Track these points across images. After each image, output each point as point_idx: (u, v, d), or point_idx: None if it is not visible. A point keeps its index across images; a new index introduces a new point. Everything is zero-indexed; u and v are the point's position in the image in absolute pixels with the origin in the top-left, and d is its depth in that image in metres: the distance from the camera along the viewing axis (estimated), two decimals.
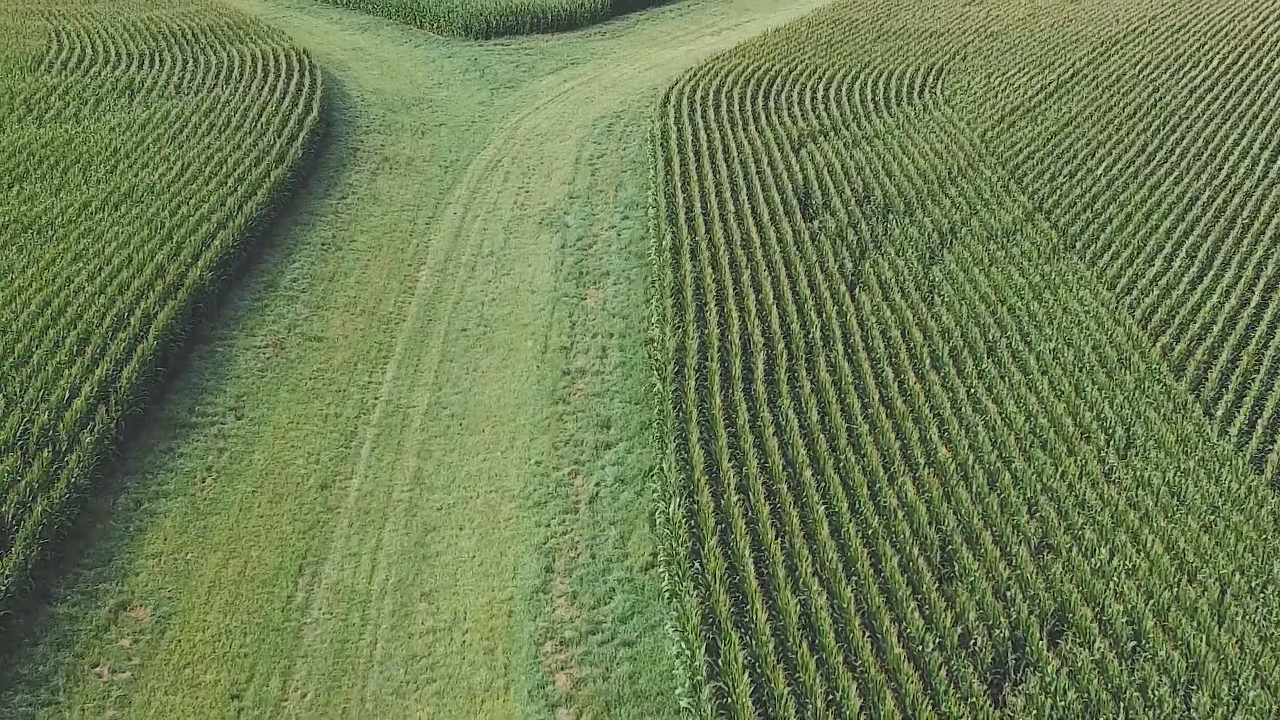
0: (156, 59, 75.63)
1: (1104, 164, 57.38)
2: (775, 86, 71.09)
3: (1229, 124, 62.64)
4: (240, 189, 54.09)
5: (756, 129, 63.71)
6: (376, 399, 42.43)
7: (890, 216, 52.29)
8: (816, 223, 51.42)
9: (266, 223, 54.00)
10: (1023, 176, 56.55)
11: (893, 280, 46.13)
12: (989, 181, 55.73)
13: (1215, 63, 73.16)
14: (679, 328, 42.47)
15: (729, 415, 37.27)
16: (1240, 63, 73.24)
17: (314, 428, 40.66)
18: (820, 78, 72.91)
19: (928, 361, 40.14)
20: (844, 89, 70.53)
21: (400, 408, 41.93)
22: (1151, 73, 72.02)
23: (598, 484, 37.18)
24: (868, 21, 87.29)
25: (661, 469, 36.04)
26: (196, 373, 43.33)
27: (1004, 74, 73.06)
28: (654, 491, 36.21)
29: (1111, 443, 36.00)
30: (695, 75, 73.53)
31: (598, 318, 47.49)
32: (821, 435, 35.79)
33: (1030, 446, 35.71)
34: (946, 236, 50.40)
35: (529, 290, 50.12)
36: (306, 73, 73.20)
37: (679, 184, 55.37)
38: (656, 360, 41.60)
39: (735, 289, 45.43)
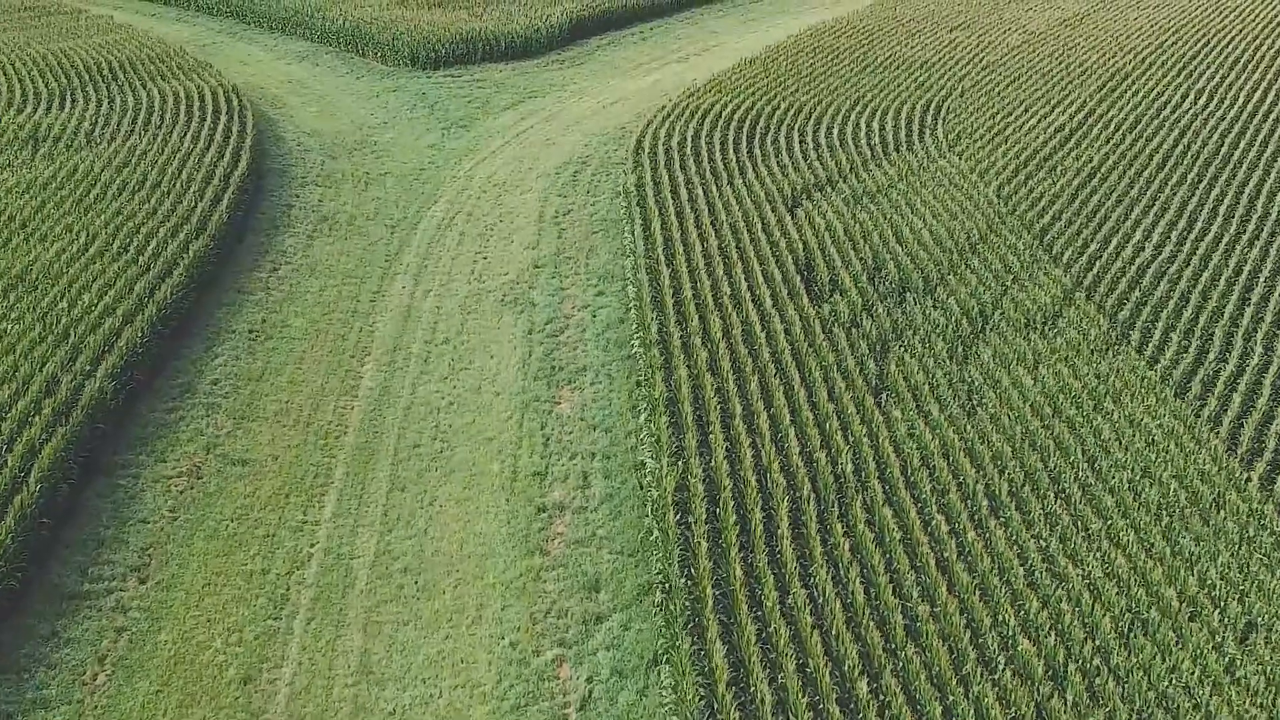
0: (67, 99, 67.58)
1: (1141, 227, 50.59)
2: (759, 128, 63.97)
3: (1272, 176, 55.99)
4: (155, 267, 46.34)
5: (744, 182, 56.53)
6: (313, 547, 34.92)
7: (909, 296, 45.26)
8: (827, 307, 44.24)
9: (185, 307, 46.29)
10: (1052, 243, 49.66)
11: (925, 385, 39.01)
12: (1015, 250, 48.79)
13: (1240, 99, 66.62)
14: (678, 456, 35.19)
15: (752, 590, 29.98)
16: (1269, 99, 66.73)
17: (236, 590, 33.10)
18: (808, 117, 65.85)
19: (984, 504, 33.00)
20: (835, 131, 63.52)
21: (342, 559, 34.44)
22: (1172, 112, 65.39)
23: (590, 678, 29.78)
24: (850, 50, 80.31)
25: (673, 662, 28.72)
26: (92, 518, 35.64)
27: (1009, 113, 66.25)
28: (662, 693, 28.84)
29: (1226, 621, 29.02)
30: (669, 116, 66.29)
31: (575, 430, 40.12)
32: (871, 622, 28.56)
33: (1129, 630, 28.69)
34: (977, 322, 43.39)
35: (492, 391, 42.71)
36: (235, 115, 65.40)
37: (661, 254, 48.10)
38: (654, 502, 34.29)
39: (742, 399, 38.19)
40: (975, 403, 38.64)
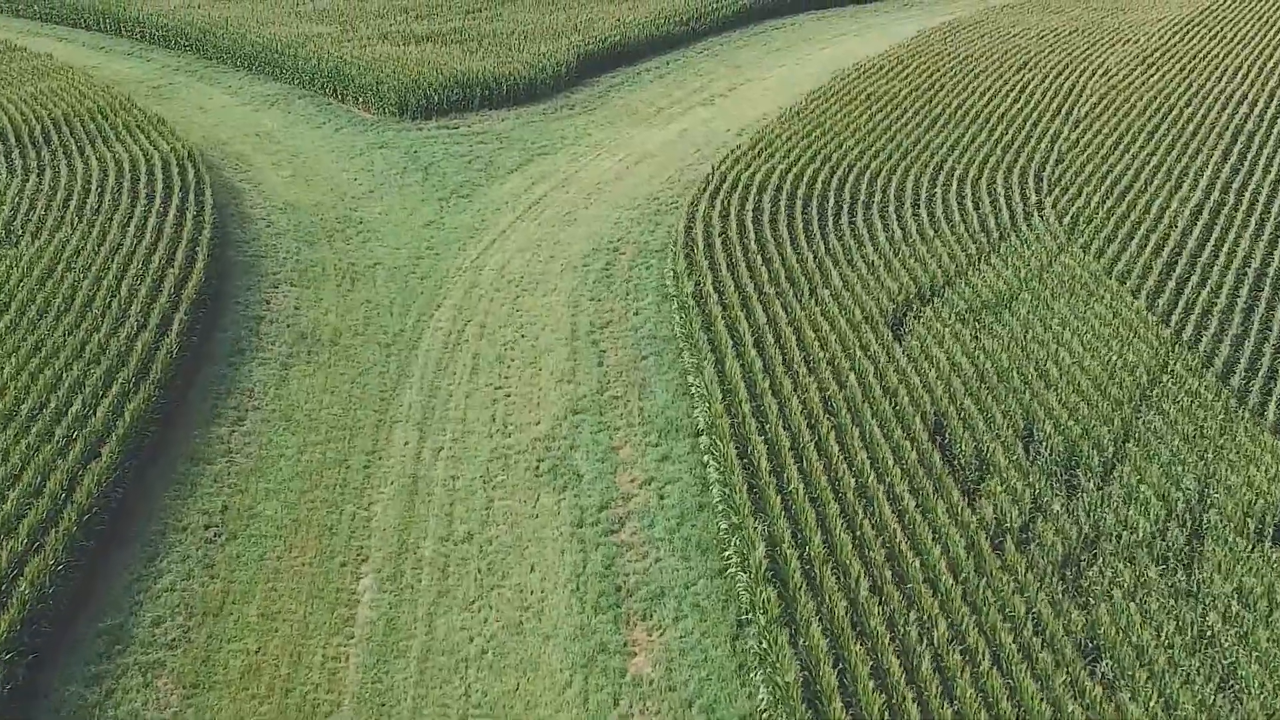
0: None
1: None
2: (830, 205, 52.75)
3: None
4: (79, 443, 34.64)
5: (829, 291, 45.10)
6: None
7: (1082, 478, 33.92)
8: (988, 506, 32.74)
9: (118, 495, 34.52)
10: (1245, 390, 38.57)
11: (1153, 645, 27.61)
12: (1201, 400, 37.54)
13: None
14: None
15: None
16: None
17: None
18: (883, 190, 54.63)
19: None
20: (922, 207, 52.38)
21: None
22: None
23: None
24: (910, 97, 68.95)
25: None
26: None
27: (1126, 187, 55.10)
28: None
29: None
30: (715, 192, 54.92)
31: (664, 709, 28.55)
32: None
33: None
34: (1186, 522, 32.06)
35: (540, 632, 31.15)
36: (191, 193, 53.69)
37: (749, 412, 36.59)
38: None
39: (914, 690, 26.62)
40: (1227, 672, 27.30)
